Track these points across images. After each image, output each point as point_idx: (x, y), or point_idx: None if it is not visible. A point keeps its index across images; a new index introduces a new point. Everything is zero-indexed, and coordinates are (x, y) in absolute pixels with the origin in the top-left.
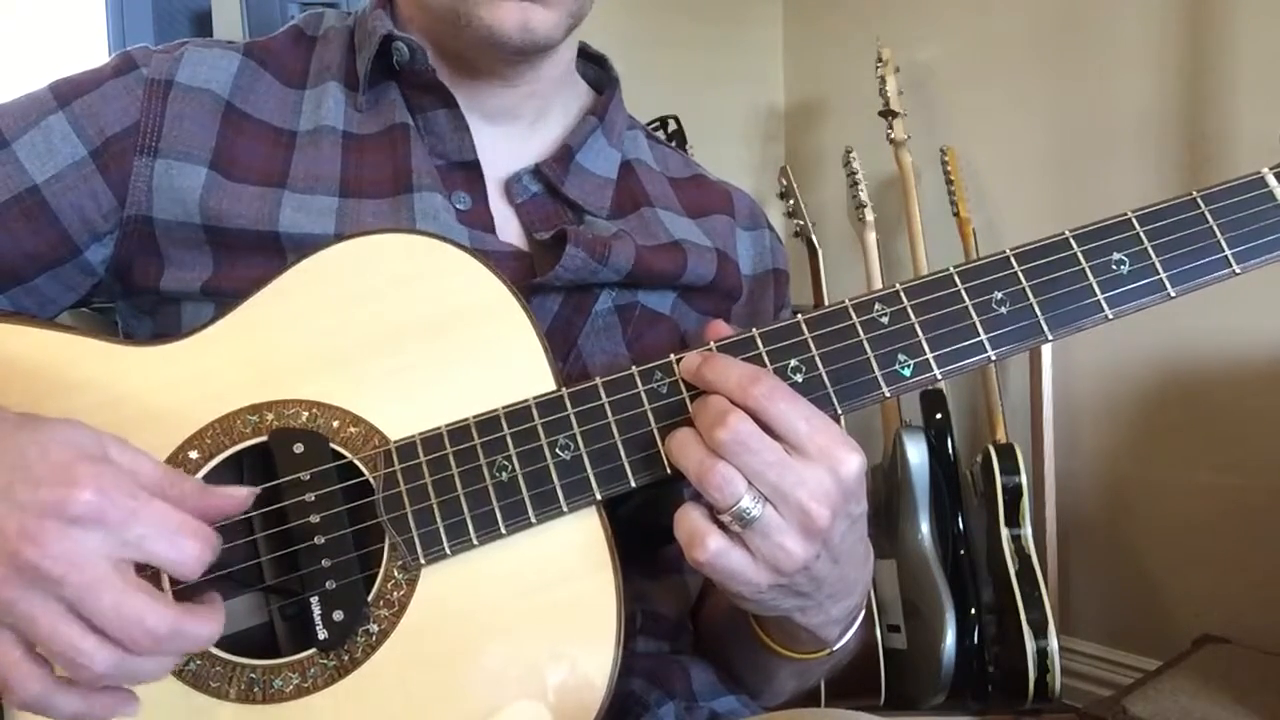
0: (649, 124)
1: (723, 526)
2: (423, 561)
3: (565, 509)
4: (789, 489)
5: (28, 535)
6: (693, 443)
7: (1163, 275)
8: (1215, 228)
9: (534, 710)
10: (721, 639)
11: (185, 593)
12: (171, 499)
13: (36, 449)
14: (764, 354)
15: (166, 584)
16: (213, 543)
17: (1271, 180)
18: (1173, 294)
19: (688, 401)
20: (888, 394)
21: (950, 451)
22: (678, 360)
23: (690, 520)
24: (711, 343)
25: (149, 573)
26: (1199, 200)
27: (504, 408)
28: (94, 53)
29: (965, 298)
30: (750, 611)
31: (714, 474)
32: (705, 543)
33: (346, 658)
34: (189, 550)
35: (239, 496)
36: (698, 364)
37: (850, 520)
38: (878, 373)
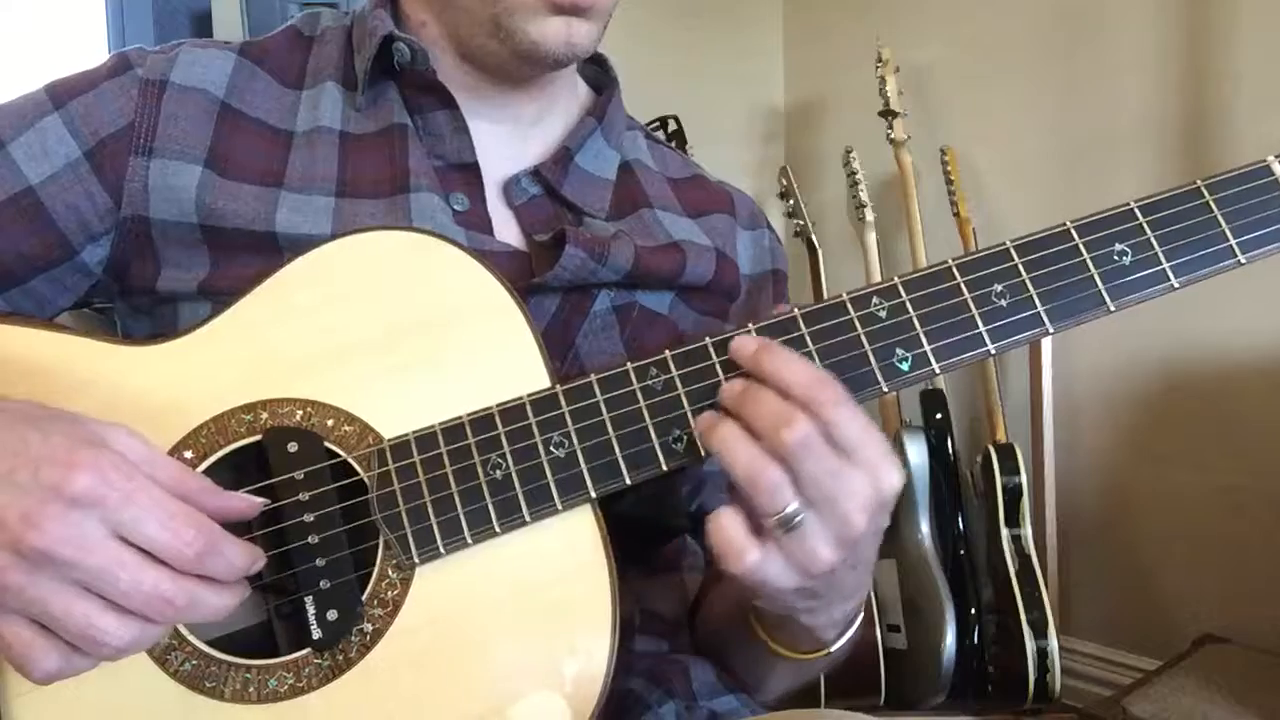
0: (649, 124)
1: (757, 532)
2: (416, 560)
3: (560, 507)
4: (842, 498)
5: (30, 521)
6: (741, 439)
7: (1166, 265)
8: (1220, 217)
9: (530, 709)
10: (720, 636)
11: None
12: (180, 495)
13: (39, 435)
14: None
15: None
16: (211, 535)
17: (1278, 169)
18: (1176, 285)
19: (725, 386)
20: (885, 388)
21: (950, 451)
22: (678, 355)
23: (728, 531)
24: (750, 325)
25: None
26: (1204, 189)
27: (498, 405)
28: (94, 53)
29: (964, 290)
30: (759, 607)
31: (767, 476)
32: (744, 557)
33: (341, 657)
34: (184, 536)
35: (252, 502)
36: (753, 349)
37: (875, 531)
38: (875, 366)
